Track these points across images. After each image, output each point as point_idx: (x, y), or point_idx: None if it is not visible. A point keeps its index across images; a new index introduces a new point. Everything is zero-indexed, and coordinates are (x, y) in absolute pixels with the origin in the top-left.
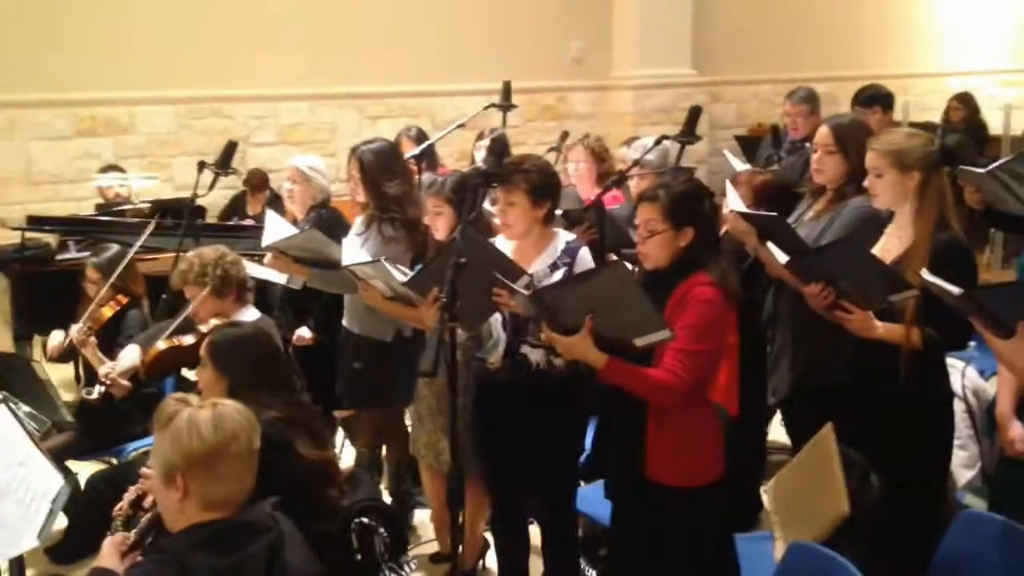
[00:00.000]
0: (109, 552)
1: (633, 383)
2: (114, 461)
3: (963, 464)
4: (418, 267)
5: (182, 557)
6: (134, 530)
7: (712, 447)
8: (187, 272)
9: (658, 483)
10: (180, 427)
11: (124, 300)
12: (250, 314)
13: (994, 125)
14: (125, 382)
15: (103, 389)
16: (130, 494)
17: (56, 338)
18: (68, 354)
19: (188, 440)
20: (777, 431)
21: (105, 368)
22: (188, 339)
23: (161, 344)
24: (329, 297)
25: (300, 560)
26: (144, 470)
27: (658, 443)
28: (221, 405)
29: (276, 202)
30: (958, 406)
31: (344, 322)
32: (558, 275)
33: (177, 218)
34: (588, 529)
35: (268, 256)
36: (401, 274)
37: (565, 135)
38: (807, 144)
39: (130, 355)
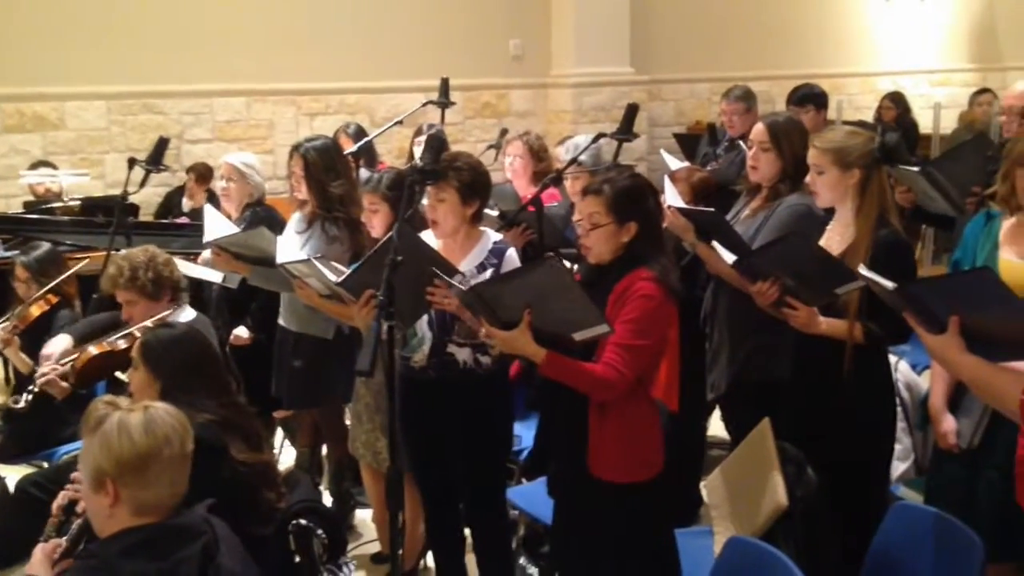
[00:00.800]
0: (40, 560)
1: (572, 378)
2: (45, 465)
3: (897, 457)
4: (353, 267)
5: (112, 563)
6: (65, 537)
7: (653, 442)
8: (117, 276)
9: (600, 479)
10: (110, 431)
11: (54, 299)
12: (186, 314)
13: (924, 124)
14: (64, 383)
15: (30, 397)
16: (61, 499)
17: None
18: None
19: (118, 445)
20: (717, 426)
21: (44, 369)
22: (121, 343)
23: (93, 349)
24: (266, 296)
25: (236, 565)
26: (75, 475)
27: (600, 439)
28: (152, 408)
29: (211, 200)
30: None
31: (281, 321)
32: (486, 275)
33: (109, 216)
34: (529, 527)
35: (204, 253)
36: (334, 273)
37: (504, 132)
38: (743, 142)
39: (60, 343)
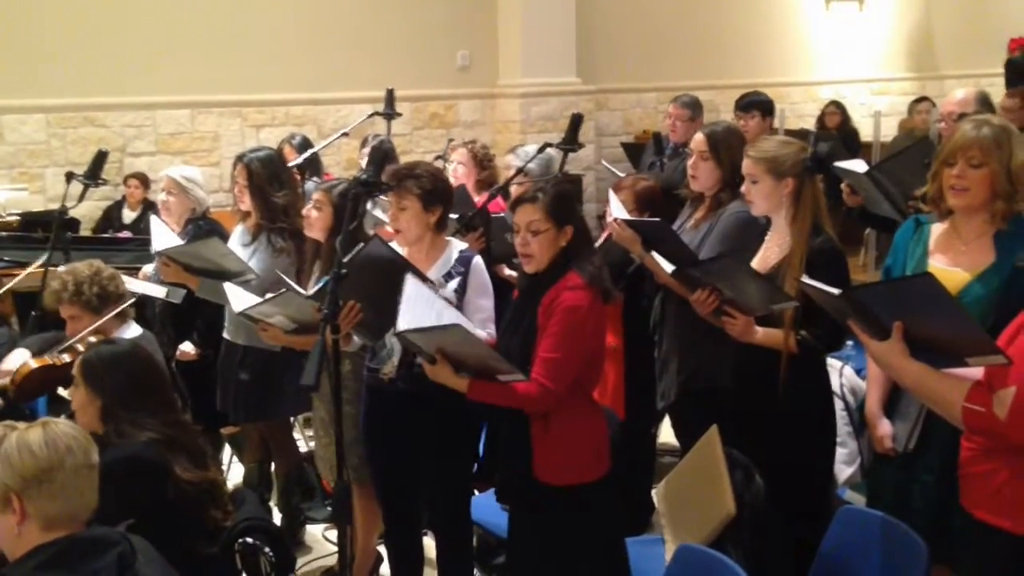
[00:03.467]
0: None
1: (500, 399)
2: None
3: (843, 461)
4: (323, 281)
5: None
6: None
7: (595, 444)
8: (61, 291)
9: (546, 484)
10: (9, 449)
11: None
12: (131, 331)
13: (865, 132)
14: None
15: None
16: None
17: None
18: None
19: (20, 460)
20: (668, 434)
21: None
22: (65, 356)
23: (33, 363)
24: (211, 310)
25: (155, 573)
26: None
27: (543, 444)
28: (52, 423)
29: (149, 210)
30: (837, 405)
31: (226, 335)
32: (453, 284)
33: (48, 231)
34: (482, 538)
35: (147, 268)
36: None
37: (451, 142)
38: (687, 149)
39: (17, 358)
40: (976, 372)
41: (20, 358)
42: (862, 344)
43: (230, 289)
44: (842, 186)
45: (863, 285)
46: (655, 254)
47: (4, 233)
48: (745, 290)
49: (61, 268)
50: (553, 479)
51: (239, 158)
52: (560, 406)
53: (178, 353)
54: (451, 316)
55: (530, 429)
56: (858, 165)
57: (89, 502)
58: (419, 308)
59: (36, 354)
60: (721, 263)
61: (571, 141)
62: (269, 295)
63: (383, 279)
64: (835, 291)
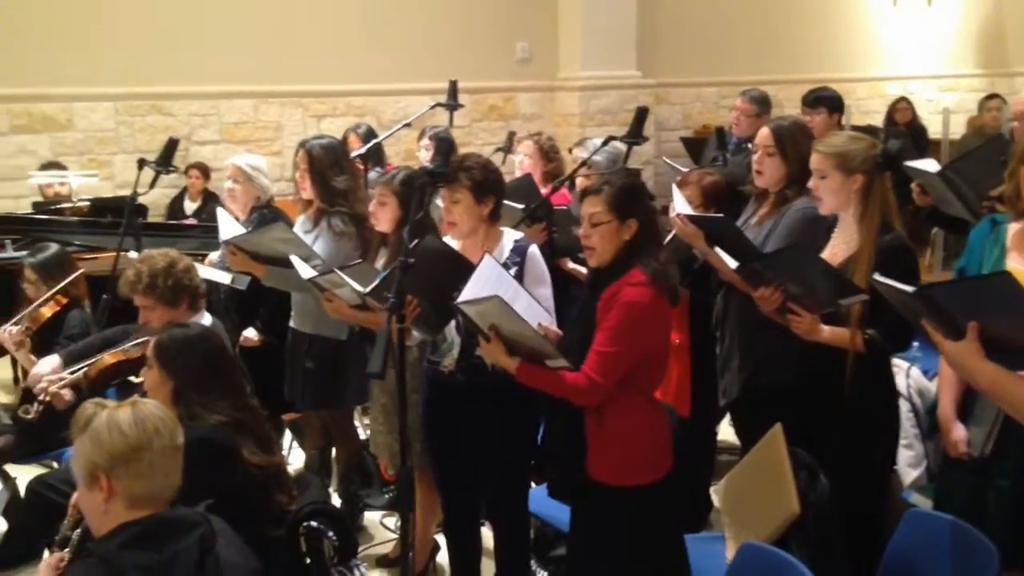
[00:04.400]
0: (45, 572)
1: (547, 385)
2: (55, 465)
3: (909, 463)
4: (380, 276)
5: (111, 558)
6: (67, 548)
7: (655, 446)
8: (135, 282)
9: (599, 482)
10: (100, 427)
11: (63, 300)
12: (204, 319)
13: (932, 129)
14: (67, 394)
15: (40, 407)
16: (76, 498)
17: None
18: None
19: (109, 438)
20: (726, 431)
21: (42, 384)
22: (135, 351)
23: (108, 358)
24: (276, 297)
25: (236, 556)
26: None
27: (597, 442)
28: (141, 403)
29: (210, 200)
30: (903, 406)
31: (293, 323)
32: (510, 274)
33: (117, 217)
34: (539, 530)
35: (212, 255)
36: (359, 283)
37: (512, 135)
38: (750, 144)
39: (48, 364)
40: None
41: (50, 364)
42: (934, 345)
43: (297, 261)
44: (912, 186)
45: (938, 283)
46: (719, 250)
47: (75, 218)
48: (812, 284)
49: (136, 255)
50: (608, 478)
51: (301, 144)
52: (611, 402)
53: (241, 339)
54: (524, 300)
55: (584, 425)
56: (929, 165)
57: (173, 483)
58: (489, 286)
59: (70, 362)
60: (788, 255)
61: (636, 134)
62: (343, 265)
63: (442, 273)
64: (909, 289)
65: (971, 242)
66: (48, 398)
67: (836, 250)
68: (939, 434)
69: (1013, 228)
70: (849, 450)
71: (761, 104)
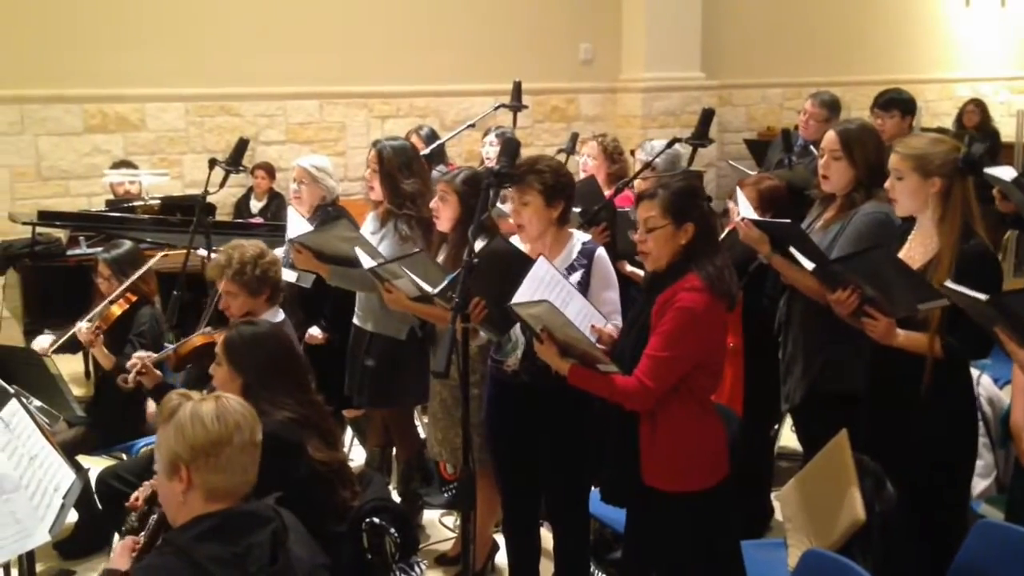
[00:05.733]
0: (121, 554)
1: (598, 388)
2: (124, 457)
3: (978, 473)
4: (449, 277)
5: (188, 549)
6: (143, 531)
7: (709, 452)
8: (225, 267)
9: (654, 488)
10: (183, 419)
11: (134, 298)
12: (277, 315)
13: (1005, 132)
14: (158, 371)
15: (136, 378)
16: (145, 490)
17: (41, 343)
18: (74, 345)
19: (192, 431)
20: (787, 437)
21: (135, 360)
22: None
23: (197, 339)
24: (340, 296)
25: (304, 551)
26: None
27: (652, 448)
28: (224, 398)
29: (274, 200)
30: None
31: (356, 321)
32: (576, 277)
33: (187, 215)
34: (598, 532)
35: (277, 251)
36: (414, 273)
37: (575, 136)
38: (814, 148)
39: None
40: None
41: (45, 341)
42: (1008, 353)
43: (360, 252)
44: (994, 192)
45: (1013, 291)
46: (795, 252)
47: (146, 216)
48: (890, 287)
49: (230, 244)
50: (662, 484)
51: (374, 144)
52: (664, 407)
53: (306, 336)
54: (578, 302)
55: (638, 430)
56: (1006, 172)
57: (250, 478)
58: (542, 288)
59: (54, 342)
60: (868, 256)
61: (701, 136)
62: (402, 255)
63: (508, 274)
64: (982, 296)
65: None
66: (144, 371)
67: (913, 253)
68: (1011, 443)
69: None
70: (926, 459)
71: (831, 108)
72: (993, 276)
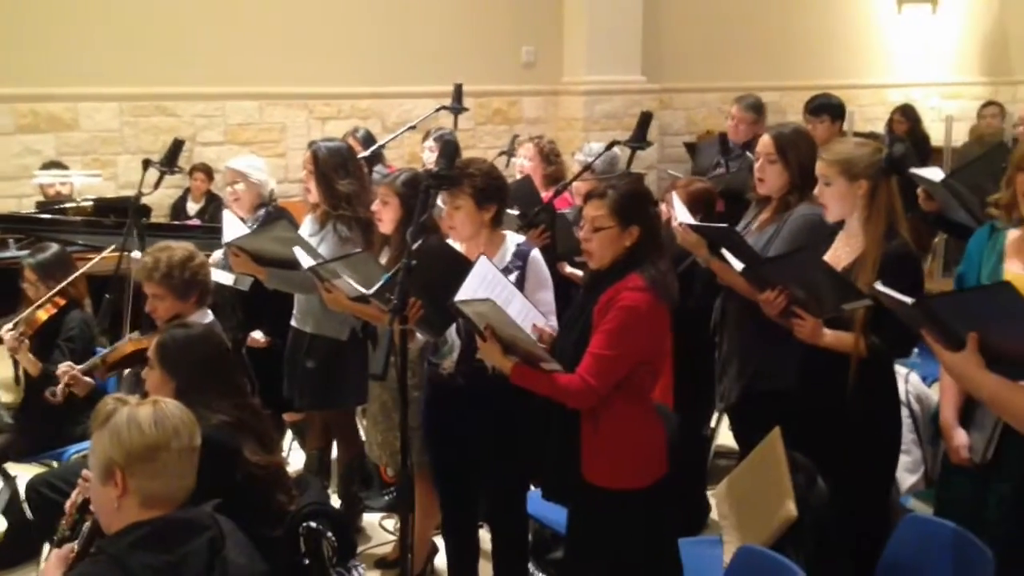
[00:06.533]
0: (54, 564)
1: (541, 387)
2: (54, 464)
3: (907, 469)
4: (384, 277)
5: (121, 557)
6: (77, 540)
7: (649, 450)
8: (152, 269)
9: (595, 485)
10: (119, 423)
11: (62, 302)
12: (205, 317)
13: (935, 137)
14: (88, 379)
15: (65, 389)
16: (75, 497)
17: None
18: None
19: (128, 435)
20: (725, 436)
21: (64, 368)
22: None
23: (128, 346)
24: (281, 299)
25: (243, 559)
26: (86, 472)
27: (593, 445)
28: (162, 402)
29: (212, 202)
30: (902, 412)
31: (294, 323)
32: (511, 279)
33: (121, 217)
34: (537, 533)
35: (215, 254)
36: (355, 273)
37: (515, 139)
38: (747, 152)
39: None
40: None
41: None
42: (935, 354)
43: (299, 251)
44: (918, 191)
45: (938, 294)
46: (725, 252)
47: (78, 218)
48: (817, 288)
49: (158, 246)
50: (604, 481)
51: (310, 145)
52: (606, 406)
53: (248, 340)
54: (519, 302)
55: (580, 428)
56: (934, 173)
57: (188, 484)
58: (484, 286)
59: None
60: (794, 258)
61: (640, 139)
62: (344, 254)
63: (444, 274)
64: (908, 300)
65: (969, 249)
66: (72, 382)
67: (840, 254)
68: (941, 440)
69: (1012, 235)
70: (851, 455)
71: (757, 111)
72: (914, 276)
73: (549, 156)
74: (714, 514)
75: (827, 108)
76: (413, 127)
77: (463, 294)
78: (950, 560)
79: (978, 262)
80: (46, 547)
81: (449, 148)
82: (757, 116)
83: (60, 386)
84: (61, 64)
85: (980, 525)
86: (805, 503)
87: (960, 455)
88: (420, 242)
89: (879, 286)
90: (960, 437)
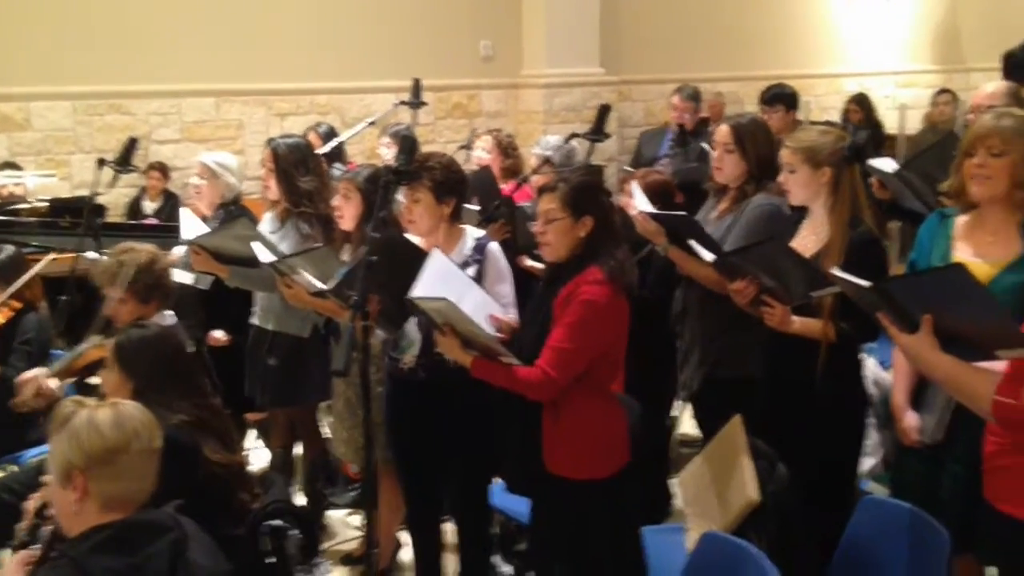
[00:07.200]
0: (14, 570)
1: (501, 380)
2: (14, 468)
3: (865, 452)
4: (341, 272)
5: (82, 561)
6: (34, 544)
7: (611, 440)
8: (115, 273)
9: (558, 476)
10: (79, 426)
11: (18, 305)
12: (167, 319)
13: (890, 125)
14: (55, 386)
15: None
16: (34, 502)
17: None
18: None
19: (87, 438)
20: (687, 425)
21: (29, 375)
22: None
23: (93, 352)
24: (242, 297)
25: (206, 560)
26: (45, 477)
27: (554, 436)
28: (122, 404)
29: (169, 200)
30: None
31: (255, 320)
32: (470, 272)
33: (76, 217)
34: (503, 525)
35: (175, 250)
36: (316, 268)
37: (474, 132)
38: (703, 143)
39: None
40: (1003, 365)
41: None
42: (891, 337)
43: (258, 246)
44: (871, 180)
45: (893, 277)
46: (695, 244)
47: (33, 219)
48: (786, 276)
49: (120, 248)
50: (565, 472)
51: (268, 142)
52: (567, 397)
53: (209, 338)
54: (476, 293)
55: (541, 419)
56: (887, 164)
57: (148, 486)
58: (440, 281)
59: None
60: (764, 247)
61: (598, 131)
62: (305, 249)
63: (402, 268)
64: (865, 283)
65: (920, 236)
66: (45, 392)
67: (806, 242)
68: (894, 423)
69: (960, 220)
70: (818, 441)
71: (696, 99)
72: (879, 262)
73: (507, 149)
74: (677, 502)
75: (781, 98)
76: (372, 122)
77: (419, 290)
78: (907, 540)
79: (929, 248)
80: (7, 553)
81: (407, 143)
82: (697, 104)
83: (28, 395)
84: (12, 63)
85: (934, 505)
86: (766, 488)
87: (911, 437)
88: (377, 237)
89: (836, 271)
90: (911, 419)
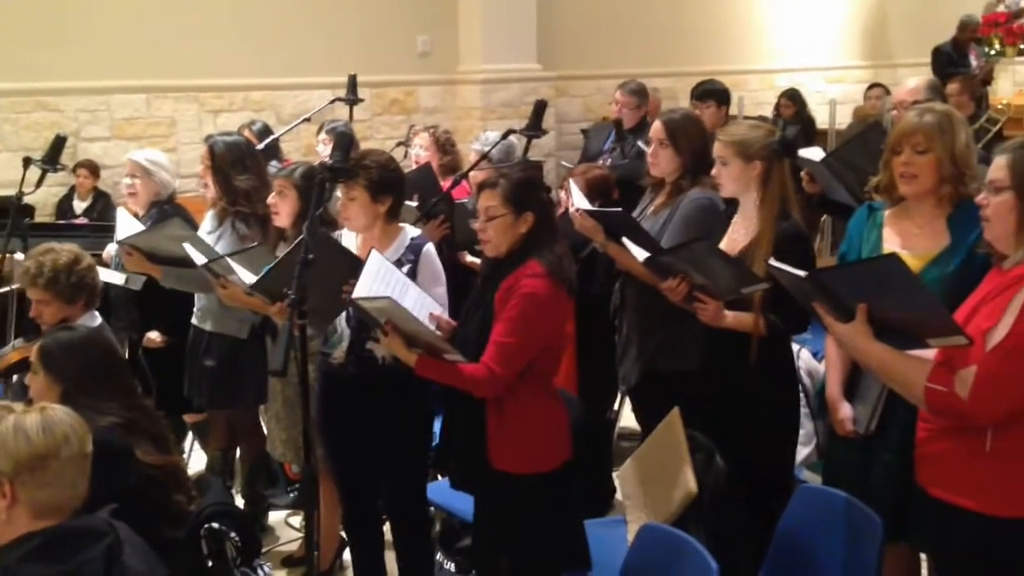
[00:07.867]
0: None
1: (446, 377)
2: None
3: (799, 442)
4: (265, 268)
5: (12, 570)
6: None
7: (553, 433)
8: (36, 275)
9: (503, 471)
10: (6, 432)
11: None
12: (94, 320)
13: (820, 120)
14: None
15: None
16: None
17: None
18: None
19: (15, 444)
20: (628, 418)
21: None
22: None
23: (13, 355)
24: (179, 298)
25: (142, 565)
26: None
27: (498, 431)
28: (50, 409)
29: (102, 199)
30: None
31: (194, 321)
32: (403, 271)
33: (2, 218)
34: (445, 522)
35: (110, 247)
36: (250, 267)
37: (411, 129)
38: (641, 142)
39: None
40: (934, 353)
41: None
42: (825, 326)
43: (191, 248)
44: (801, 174)
45: (828, 267)
46: (628, 243)
47: None
48: (716, 274)
49: (41, 249)
50: (509, 466)
51: (206, 140)
52: (511, 392)
53: (145, 340)
54: (414, 292)
55: (485, 415)
56: (815, 153)
57: (80, 492)
58: (378, 281)
59: None
60: (692, 248)
61: (535, 127)
62: (239, 249)
63: (329, 266)
64: (802, 273)
65: (850, 229)
66: None
67: (737, 236)
68: (827, 413)
69: (888, 212)
70: (753, 431)
71: (640, 95)
72: (806, 255)
73: (444, 146)
74: (619, 495)
75: (713, 94)
76: (308, 119)
77: (359, 290)
78: (842, 527)
79: (859, 241)
80: None
81: (344, 140)
82: (640, 100)
83: None
84: None
85: (865, 494)
86: (705, 480)
87: (845, 427)
88: (304, 234)
89: (773, 262)
90: (845, 410)
